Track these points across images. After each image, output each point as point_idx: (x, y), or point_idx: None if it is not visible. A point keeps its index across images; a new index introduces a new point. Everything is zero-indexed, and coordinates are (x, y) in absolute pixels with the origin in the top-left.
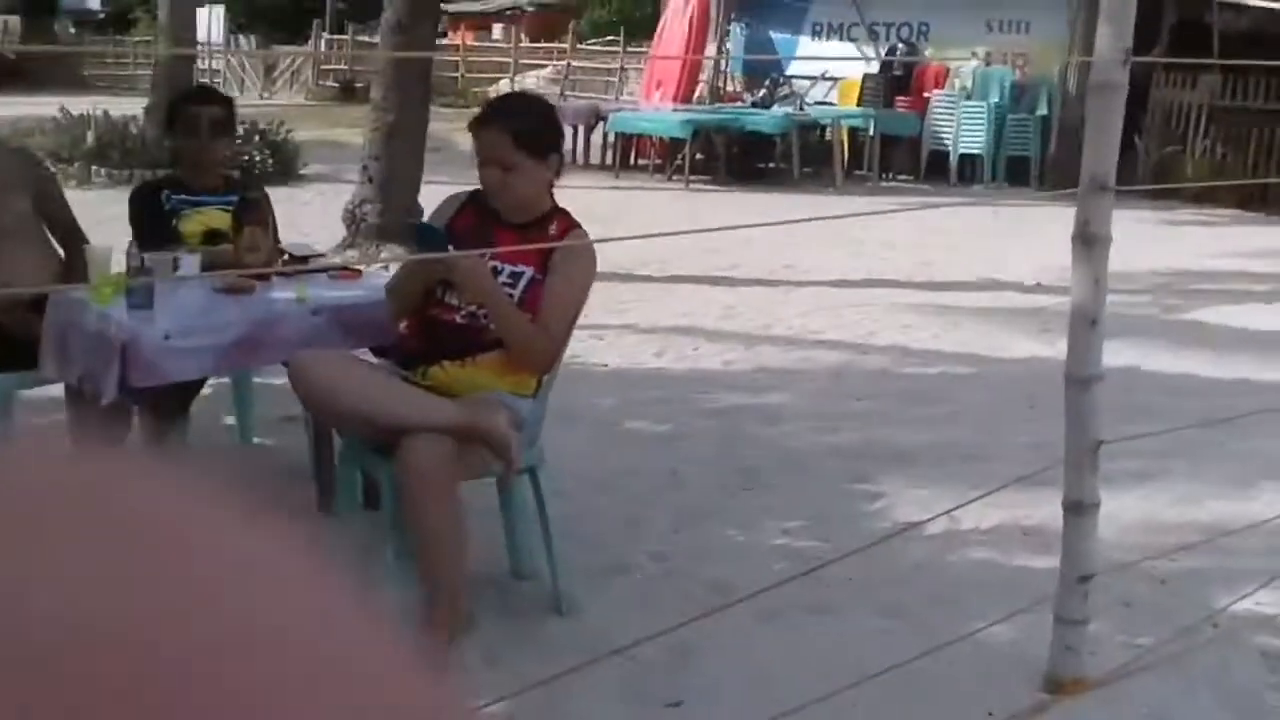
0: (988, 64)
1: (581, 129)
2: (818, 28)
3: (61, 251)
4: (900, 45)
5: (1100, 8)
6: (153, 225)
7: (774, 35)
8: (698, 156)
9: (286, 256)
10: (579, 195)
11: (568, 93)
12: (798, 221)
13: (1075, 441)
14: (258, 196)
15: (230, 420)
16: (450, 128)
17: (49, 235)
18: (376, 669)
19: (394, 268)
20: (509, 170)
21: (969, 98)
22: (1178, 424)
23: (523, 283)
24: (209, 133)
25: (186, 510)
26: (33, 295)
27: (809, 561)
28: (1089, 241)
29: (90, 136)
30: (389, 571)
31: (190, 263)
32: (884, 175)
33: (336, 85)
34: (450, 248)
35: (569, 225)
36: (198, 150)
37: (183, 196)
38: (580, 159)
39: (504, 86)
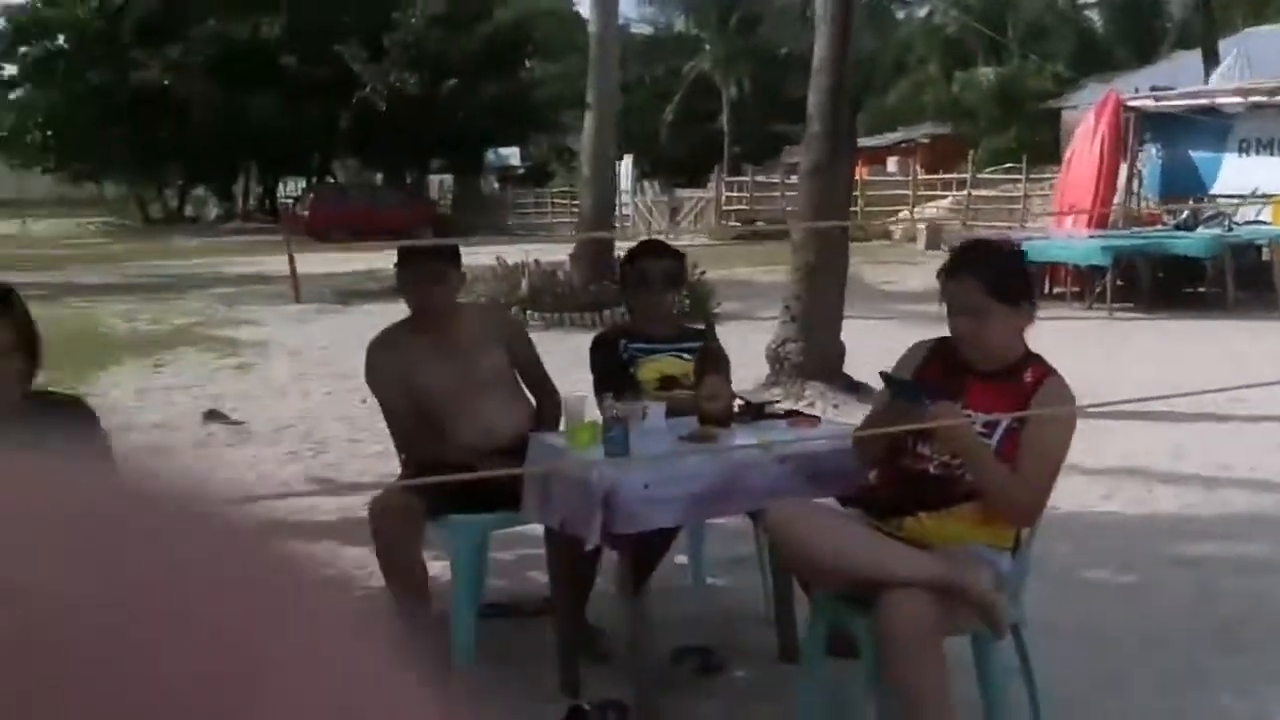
0: None
1: None
2: (1244, 144)
3: (533, 400)
4: None
5: None
6: (612, 373)
7: (1194, 155)
8: (1118, 283)
9: (742, 403)
10: None
11: (969, 223)
12: None
13: None
14: (717, 346)
15: (682, 559)
16: (854, 261)
17: (521, 385)
18: None
19: (857, 418)
20: (981, 319)
21: None
22: None
23: (999, 432)
24: (661, 285)
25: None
26: (511, 442)
27: None
28: None
29: (524, 284)
30: None
31: (656, 412)
32: None
33: (738, 224)
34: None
35: (1044, 372)
36: (650, 301)
37: (639, 345)
38: None
39: (903, 218)
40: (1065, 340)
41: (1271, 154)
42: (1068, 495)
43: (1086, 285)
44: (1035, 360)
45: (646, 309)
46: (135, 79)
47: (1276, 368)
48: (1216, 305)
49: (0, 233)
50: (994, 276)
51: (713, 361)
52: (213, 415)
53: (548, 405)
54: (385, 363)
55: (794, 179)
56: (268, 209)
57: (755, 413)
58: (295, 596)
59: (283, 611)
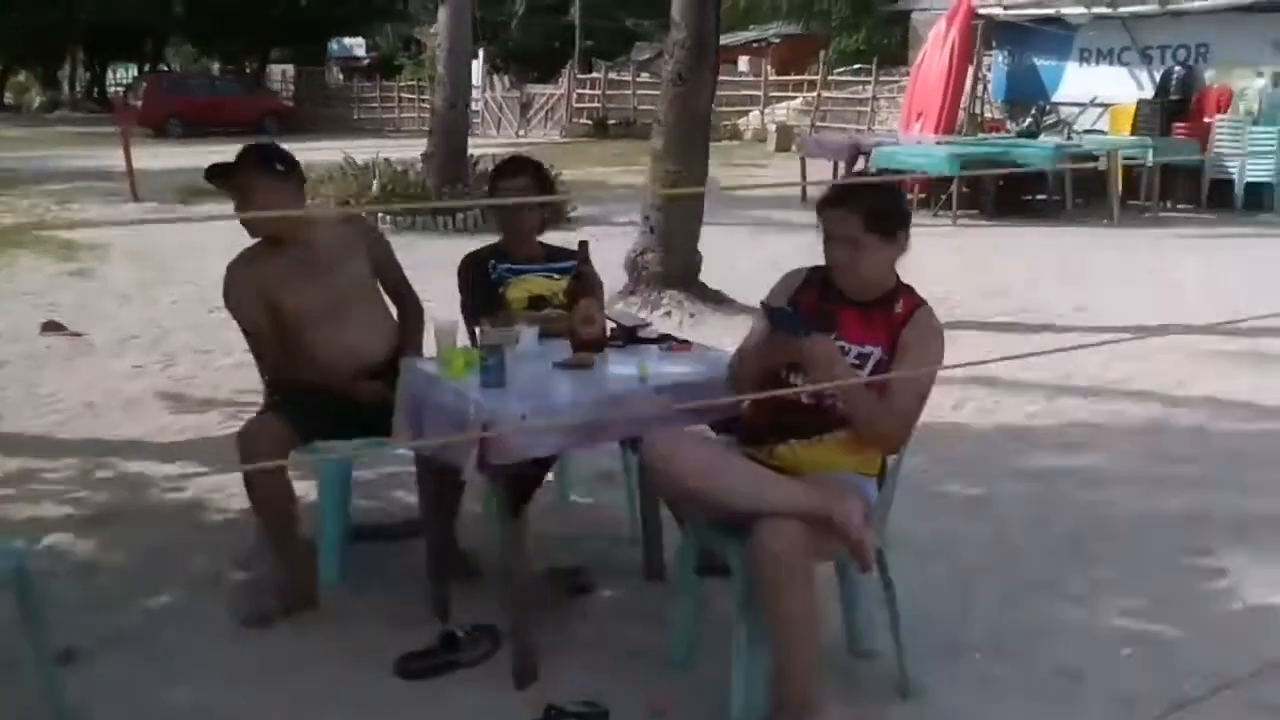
0: (1276, 85)
1: (842, 165)
2: (1085, 54)
3: (394, 309)
4: (1177, 68)
5: None
6: (482, 293)
7: (1038, 63)
8: (963, 190)
9: (615, 327)
10: None
11: (818, 124)
12: None
13: None
14: (590, 269)
15: (549, 477)
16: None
17: (384, 298)
18: None
19: (733, 345)
20: (857, 249)
21: (1255, 122)
22: None
23: (870, 363)
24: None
25: None
26: (378, 363)
27: (1157, 647)
28: None
29: (375, 185)
30: (740, 653)
31: (530, 336)
32: (1162, 206)
33: (589, 122)
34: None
35: (915, 303)
36: (513, 219)
37: (508, 265)
38: None
39: (754, 118)
40: (914, 248)
41: (1111, 63)
42: None
43: (933, 192)
44: (906, 291)
45: (510, 227)
46: None
47: (1112, 274)
48: (1053, 213)
49: None
50: (872, 209)
51: (586, 285)
52: (51, 326)
53: (409, 312)
54: (244, 283)
55: (645, 76)
56: (97, 97)
57: (628, 337)
58: None
59: None
